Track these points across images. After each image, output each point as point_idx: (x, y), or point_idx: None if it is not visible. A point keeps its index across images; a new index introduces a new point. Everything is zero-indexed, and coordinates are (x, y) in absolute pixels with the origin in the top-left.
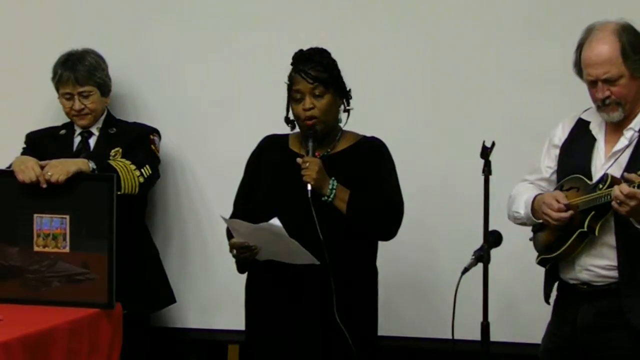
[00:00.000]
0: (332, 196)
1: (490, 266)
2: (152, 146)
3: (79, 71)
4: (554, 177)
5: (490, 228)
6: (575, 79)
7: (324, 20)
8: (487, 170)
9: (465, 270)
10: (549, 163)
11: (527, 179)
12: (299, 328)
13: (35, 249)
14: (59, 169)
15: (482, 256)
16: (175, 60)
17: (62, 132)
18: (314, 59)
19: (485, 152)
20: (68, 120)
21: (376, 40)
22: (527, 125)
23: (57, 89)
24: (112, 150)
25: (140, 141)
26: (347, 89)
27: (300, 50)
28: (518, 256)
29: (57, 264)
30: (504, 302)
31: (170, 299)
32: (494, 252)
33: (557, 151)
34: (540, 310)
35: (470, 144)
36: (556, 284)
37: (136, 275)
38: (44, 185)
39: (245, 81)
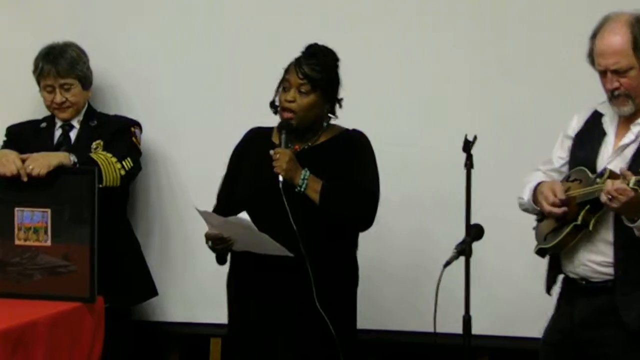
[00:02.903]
0: (304, 186)
1: (472, 259)
2: (134, 138)
3: (61, 64)
4: (565, 168)
5: (472, 222)
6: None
7: (307, 17)
8: (469, 164)
9: (447, 263)
10: (561, 154)
11: (540, 169)
12: (278, 319)
13: (17, 242)
14: (40, 162)
15: (464, 249)
16: (156, 53)
17: (43, 125)
18: (316, 56)
19: (468, 146)
20: (49, 113)
21: (362, 37)
22: (511, 120)
23: (39, 82)
24: (94, 143)
25: (122, 134)
26: (339, 97)
27: (311, 45)
28: (500, 250)
29: (38, 257)
30: (485, 295)
31: (152, 291)
32: (476, 245)
33: (571, 142)
34: (521, 303)
35: (453, 138)
36: (561, 278)
37: (118, 268)
38: (25, 179)
39: (228, 75)
